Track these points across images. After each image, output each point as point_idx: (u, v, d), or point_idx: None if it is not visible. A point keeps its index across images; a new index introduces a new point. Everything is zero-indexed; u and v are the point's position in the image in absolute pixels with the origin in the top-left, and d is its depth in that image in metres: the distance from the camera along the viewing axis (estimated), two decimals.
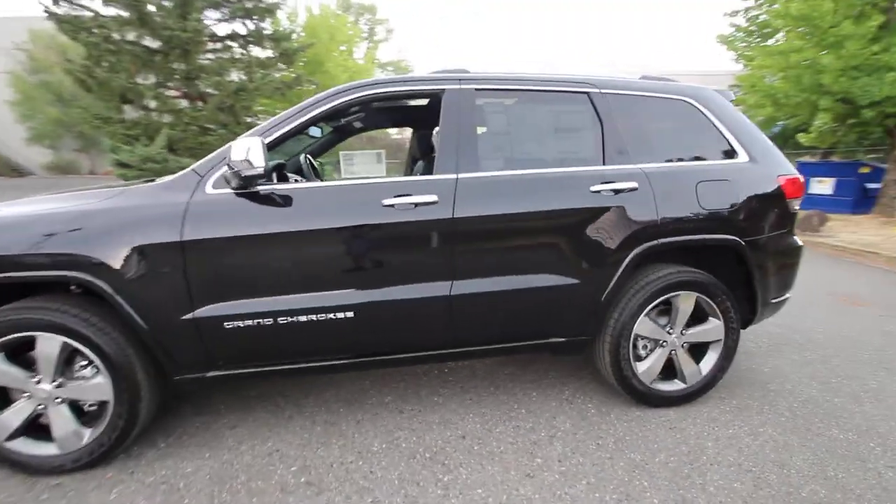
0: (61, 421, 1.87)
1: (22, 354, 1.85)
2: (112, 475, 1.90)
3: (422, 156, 3.30)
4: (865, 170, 10.73)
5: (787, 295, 2.62)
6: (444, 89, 2.16)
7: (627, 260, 2.19)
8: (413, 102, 3.25)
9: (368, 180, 2.09)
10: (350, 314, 1.98)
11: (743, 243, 2.34)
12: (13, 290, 1.88)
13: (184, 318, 1.85)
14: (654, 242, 2.21)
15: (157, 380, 1.98)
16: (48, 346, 1.80)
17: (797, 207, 2.53)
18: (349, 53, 22.20)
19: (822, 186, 10.95)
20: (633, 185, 2.19)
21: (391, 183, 2.07)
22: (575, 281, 2.18)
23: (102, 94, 11.82)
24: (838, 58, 8.93)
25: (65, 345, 1.81)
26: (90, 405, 1.92)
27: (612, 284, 2.20)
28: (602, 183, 2.17)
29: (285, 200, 1.95)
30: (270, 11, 13.81)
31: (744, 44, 12.19)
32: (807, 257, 2.70)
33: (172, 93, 12.76)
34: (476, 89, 2.18)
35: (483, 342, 2.22)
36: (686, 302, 2.34)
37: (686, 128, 2.43)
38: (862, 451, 2.08)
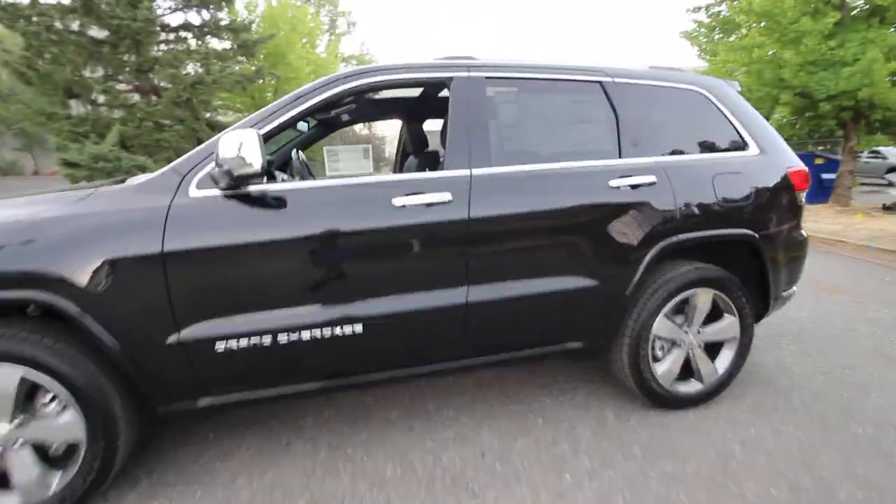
0: (23, 466, 1.59)
1: None
2: None
3: (414, 151, 3.11)
4: (820, 161, 11.21)
5: (794, 288, 2.59)
6: (451, 77, 1.98)
7: (648, 258, 2.08)
8: (402, 93, 3.05)
9: (374, 178, 1.88)
10: (358, 328, 1.78)
11: (757, 237, 2.28)
12: None
13: (168, 340, 1.61)
14: (674, 239, 2.11)
15: (137, 412, 1.72)
16: (3, 379, 1.52)
17: (804, 200, 2.50)
18: (312, 46, 21.52)
19: None
20: (652, 178, 2.08)
21: (399, 181, 1.88)
22: (594, 282, 2.05)
23: (45, 88, 10.91)
24: (797, 53, 9.26)
25: (24, 377, 1.53)
26: (57, 447, 1.65)
27: (632, 284, 2.09)
28: (621, 177, 2.04)
29: (282, 202, 1.72)
30: (227, 1, 13.14)
31: (706, 39, 12.51)
32: None
33: (123, 86, 11.95)
34: (486, 77, 2.01)
35: (499, 351, 2.07)
36: (703, 299, 2.26)
37: (697, 119, 2.35)
38: (885, 447, 2.05)
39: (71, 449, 1.63)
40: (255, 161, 1.53)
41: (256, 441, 2.13)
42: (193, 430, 2.20)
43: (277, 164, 2.76)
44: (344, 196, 1.80)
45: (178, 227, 1.59)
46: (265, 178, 2.00)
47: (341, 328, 1.76)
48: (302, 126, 2.87)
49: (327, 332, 1.75)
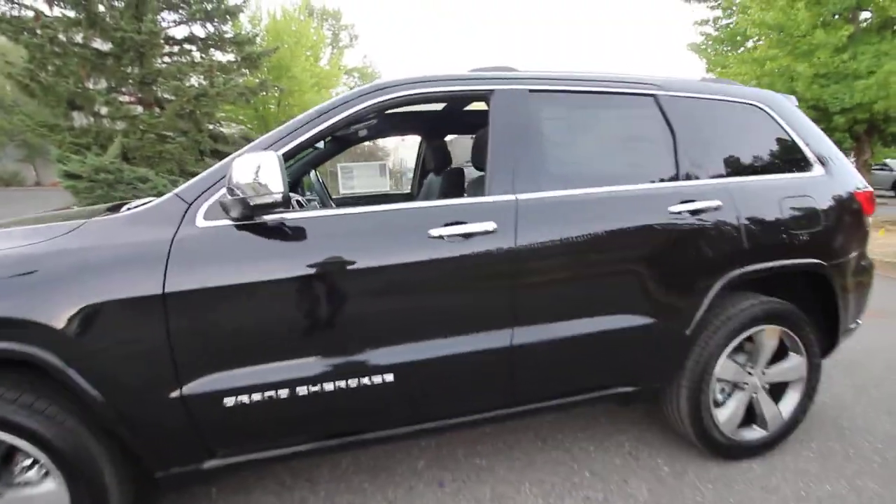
0: None
1: None
2: None
3: (436, 169, 2.89)
4: None
5: (860, 320, 2.35)
6: (492, 90, 1.76)
7: (712, 293, 1.84)
8: (423, 108, 2.84)
9: (407, 205, 1.65)
10: (389, 377, 1.53)
11: (826, 266, 2.05)
12: None
13: (171, 396, 1.36)
14: (742, 270, 1.87)
15: (131, 479, 1.47)
16: None
17: (871, 224, 2.27)
18: (315, 59, 21.51)
19: None
20: (717, 203, 1.85)
21: (436, 207, 1.64)
22: (652, 320, 1.81)
23: (48, 99, 10.79)
24: (810, 66, 9.11)
25: None
26: None
27: (694, 322, 1.84)
28: (682, 202, 1.81)
29: (301, 233, 1.49)
30: (232, 14, 13.09)
31: (713, 52, 12.40)
32: None
33: (126, 98, 11.83)
34: (530, 90, 1.78)
35: (544, 399, 1.82)
36: (771, 337, 2.01)
37: (758, 136, 2.12)
38: None
39: None
40: (276, 188, 1.30)
41: (268, 499, 1.87)
42: (194, 487, 1.94)
43: (289, 185, 2.53)
44: (372, 226, 1.56)
45: (183, 264, 1.36)
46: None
47: (370, 378, 1.52)
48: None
49: (353, 382, 1.51)
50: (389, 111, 2.64)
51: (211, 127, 12.72)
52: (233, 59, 13.47)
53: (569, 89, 1.85)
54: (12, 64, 10.84)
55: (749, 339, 2.01)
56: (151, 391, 1.37)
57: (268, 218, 1.46)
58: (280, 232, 1.47)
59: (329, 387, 1.49)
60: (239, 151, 1.47)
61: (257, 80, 13.97)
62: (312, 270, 1.46)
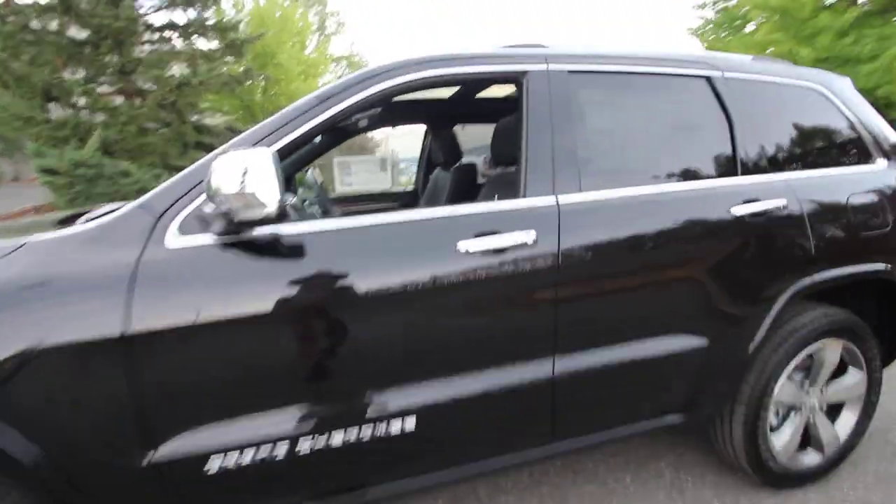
0: None
1: None
2: None
3: (444, 163, 2.60)
4: None
5: None
6: (525, 71, 1.47)
7: (779, 305, 1.59)
8: (430, 94, 2.54)
9: (430, 212, 1.36)
10: (409, 423, 1.27)
11: (891, 270, 1.81)
12: None
13: (137, 463, 1.08)
14: (811, 279, 1.63)
15: None
16: None
17: None
18: (301, 46, 20.88)
19: None
20: (783, 202, 1.60)
21: (464, 215, 1.35)
22: (705, 340, 1.56)
23: (23, 90, 10.27)
24: (813, 50, 8.92)
25: None
26: None
27: (757, 339, 1.60)
28: (745, 202, 1.55)
29: (300, 251, 1.21)
30: None
31: (713, 36, 12.17)
32: None
33: (105, 89, 11.32)
34: (569, 72, 1.50)
35: (585, 433, 1.57)
36: (833, 352, 1.78)
37: (819, 124, 1.87)
38: None
39: None
40: (269, 198, 1.01)
41: None
42: None
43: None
44: (390, 240, 1.28)
45: (150, 296, 1.07)
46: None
47: (386, 425, 1.25)
48: None
49: (367, 431, 1.24)
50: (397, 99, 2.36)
51: (194, 118, 12.26)
52: (216, 47, 12.95)
53: (614, 69, 1.57)
54: None
55: (808, 355, 1.77)
56: (115, 458, 1.09)
57: (258, 234, 1.17)
58: (273, 249, 1.19)
59: (337, 439, 1.22)
60: (222, 147, 1.18)
61: (241, 69, 13.44)
62: (314, 297, 1.19)
